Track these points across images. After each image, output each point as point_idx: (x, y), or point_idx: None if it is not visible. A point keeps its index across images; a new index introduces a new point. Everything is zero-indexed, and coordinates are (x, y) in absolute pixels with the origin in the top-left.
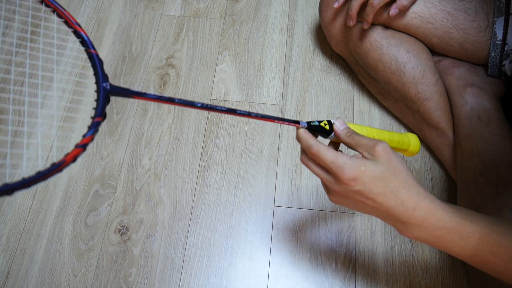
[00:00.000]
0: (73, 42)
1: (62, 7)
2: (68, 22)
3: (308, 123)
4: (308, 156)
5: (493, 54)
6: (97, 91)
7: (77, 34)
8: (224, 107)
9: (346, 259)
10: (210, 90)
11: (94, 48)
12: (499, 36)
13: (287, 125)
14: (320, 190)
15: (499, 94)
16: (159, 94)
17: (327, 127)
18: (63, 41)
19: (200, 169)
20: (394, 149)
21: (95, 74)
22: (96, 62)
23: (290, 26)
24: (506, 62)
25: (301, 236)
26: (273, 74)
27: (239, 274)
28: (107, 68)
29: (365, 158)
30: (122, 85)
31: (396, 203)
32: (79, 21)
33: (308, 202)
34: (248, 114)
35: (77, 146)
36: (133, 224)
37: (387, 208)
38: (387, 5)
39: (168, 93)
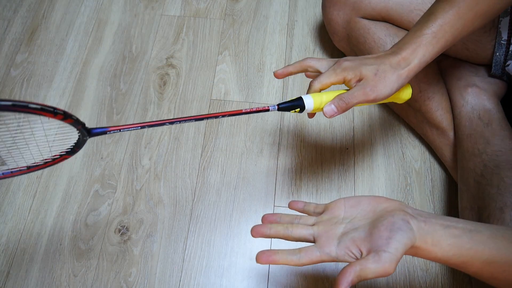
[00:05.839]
0: None
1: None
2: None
3: (278, 105)
4: None
5: (497, 53)
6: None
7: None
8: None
9: None
10: (210, 90)
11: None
12: (504, 36)
13: (263, 113)
14: (320, 190)
15: (500, 94)
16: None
17: (298, 110)
18: None
19: (200, 169)
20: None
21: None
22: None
23: (290, 26)
24: (510, 62)
25: None
26: (273, 74)
27: (239, 274)
28: (107, 69)
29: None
30: (122, 85)
31: (395, 257)
32: (79, 21)
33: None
34: (215, 118)
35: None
36: (133, 224)
37: None
38: None
39: (168, 93)
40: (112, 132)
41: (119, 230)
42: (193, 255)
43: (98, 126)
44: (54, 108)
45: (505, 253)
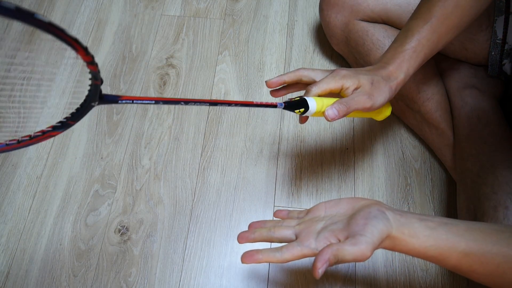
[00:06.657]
0: None
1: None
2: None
3: (285, 103)
4: None
5: (493, 53)
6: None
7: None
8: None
9: None
10: (210, 90)
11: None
12: (499, 35)
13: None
14: (320, 190)
15: (498, 95)
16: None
17: (302, 110)
18: None
19: (200, 169)
20: (362, 114)
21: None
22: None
23: (290, 26)
24: (506, 61)
25: None
26: (273, 74)
27: (239, 274)
28: (107, 69)
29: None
30: (122, 85)
31: (371, 241)
32: (79, 21)
33: (308, 202)
34: (228, 105)
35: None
36: (133, 224)
37: None
38: None
39: (168, 93)
40: (123, 101)
41: (119, 230)
42: (193, 255)
43: (98, 123)
44: (87, 48)
45: (482, 244)
